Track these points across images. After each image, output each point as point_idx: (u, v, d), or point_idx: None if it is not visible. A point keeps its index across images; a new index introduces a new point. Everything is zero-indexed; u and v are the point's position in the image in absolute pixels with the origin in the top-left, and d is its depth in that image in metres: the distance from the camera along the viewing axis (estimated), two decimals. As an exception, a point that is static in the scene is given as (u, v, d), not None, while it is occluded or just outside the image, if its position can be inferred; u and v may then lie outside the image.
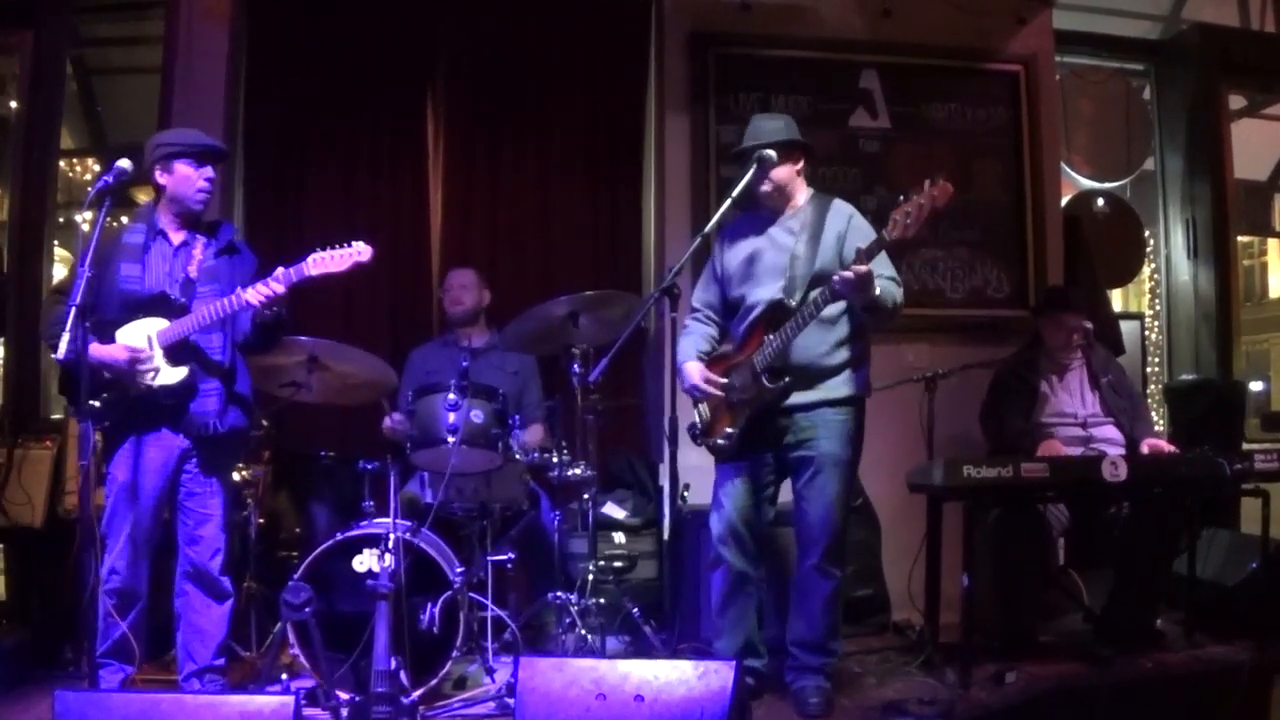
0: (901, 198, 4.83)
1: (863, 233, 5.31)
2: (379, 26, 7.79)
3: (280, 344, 5.43)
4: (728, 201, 5.25)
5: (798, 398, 5.27)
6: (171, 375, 5.02)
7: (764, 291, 5.36)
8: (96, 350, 4.81)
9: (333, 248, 5.02)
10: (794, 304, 5.19)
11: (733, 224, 5.58)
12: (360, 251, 5.03)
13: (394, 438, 6.34)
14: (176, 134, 5.22)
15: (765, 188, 5.39)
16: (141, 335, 5.00)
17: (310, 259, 4.98)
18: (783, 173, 5.41)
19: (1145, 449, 6.26)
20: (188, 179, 5.15)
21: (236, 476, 6.00)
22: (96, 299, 4.89)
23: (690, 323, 5.69)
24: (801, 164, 5.51)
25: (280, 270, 4.95)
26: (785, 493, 5.52)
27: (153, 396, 5.03)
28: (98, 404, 4.89)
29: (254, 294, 4.91)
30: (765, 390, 5.22)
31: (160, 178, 5.17)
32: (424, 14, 7.83)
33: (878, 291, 5.02)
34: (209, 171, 5.20)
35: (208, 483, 5.20)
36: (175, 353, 5.03)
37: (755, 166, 5.29)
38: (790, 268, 5.29)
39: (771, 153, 5.31)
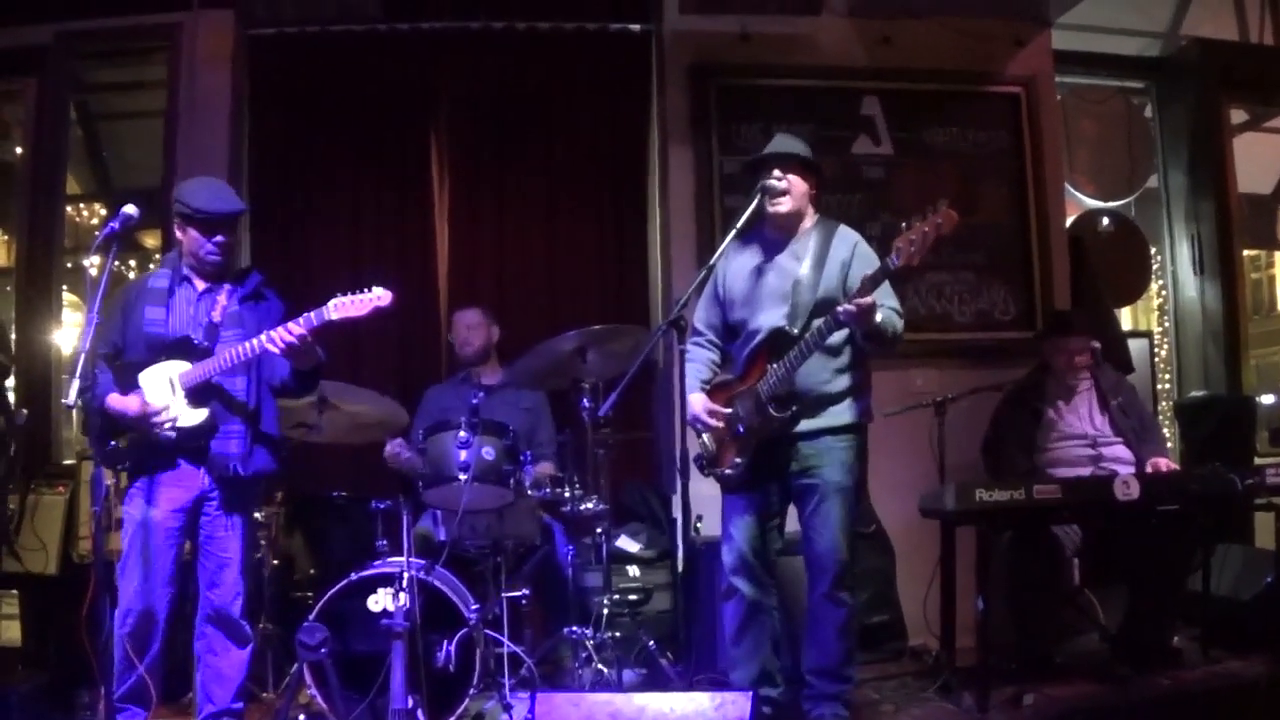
0: (904, 225, 4.83)
1: (867, 261, 5.29)
2: (381, 66, 7.85)
3: (318, 387, 5.47)
4: (733, 232, 5.25)
5: (800, 425, 5.26)
6: (192, 417, 5.03)
7: (766, 317, 5.36)
8: (113, 401, 4.88)
9: (354, 293, 5.02)
10: (796, 332, 5.19)
11: (736, 247, 5.54)
12: (380, 297, 5.01)
13: (395, 463, 6.36)
14: (193, 194, 5.16)
15: (781, 207, 5.37)
16: (164, 378, 5.02)
17: (331, 304, 4.97)
18: (802, 188, 5.41)
19: (1149, 468, 6.26)
20: (198, 241, 5.17)
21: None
22: (123, 341, 5.03)
23: (692, 348, 5.65)
24: (814, 187, 5.50)
25: (301, 317, 4.97)
26: (792, 521, 5.51)
27: (173, 438, 5.05)
28: (118, 444, 4.93)
29: (276, 339, 4.93)
30: (773, 419, 5.20)
31: (177, 232, 5.22)
32: (426, 52, 7.89)
33: (879, 319, 5.03)
34: (218, 238, 5.19)
35: (228, 525, 5.19)
36: (197, 395, 5.05)
37: (759, 196, 5.31)
38: (794, 294, 5.28)
39: (775, 182, 5.32)
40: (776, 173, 5.35)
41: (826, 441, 5.28)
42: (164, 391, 5.02)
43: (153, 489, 5.07)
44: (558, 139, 7.98)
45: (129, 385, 4.95)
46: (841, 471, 5.28)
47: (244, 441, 5.17)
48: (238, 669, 5.23)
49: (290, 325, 4.93)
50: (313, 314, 4.95)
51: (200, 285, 5.26)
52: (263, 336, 4.94)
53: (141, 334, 5.08)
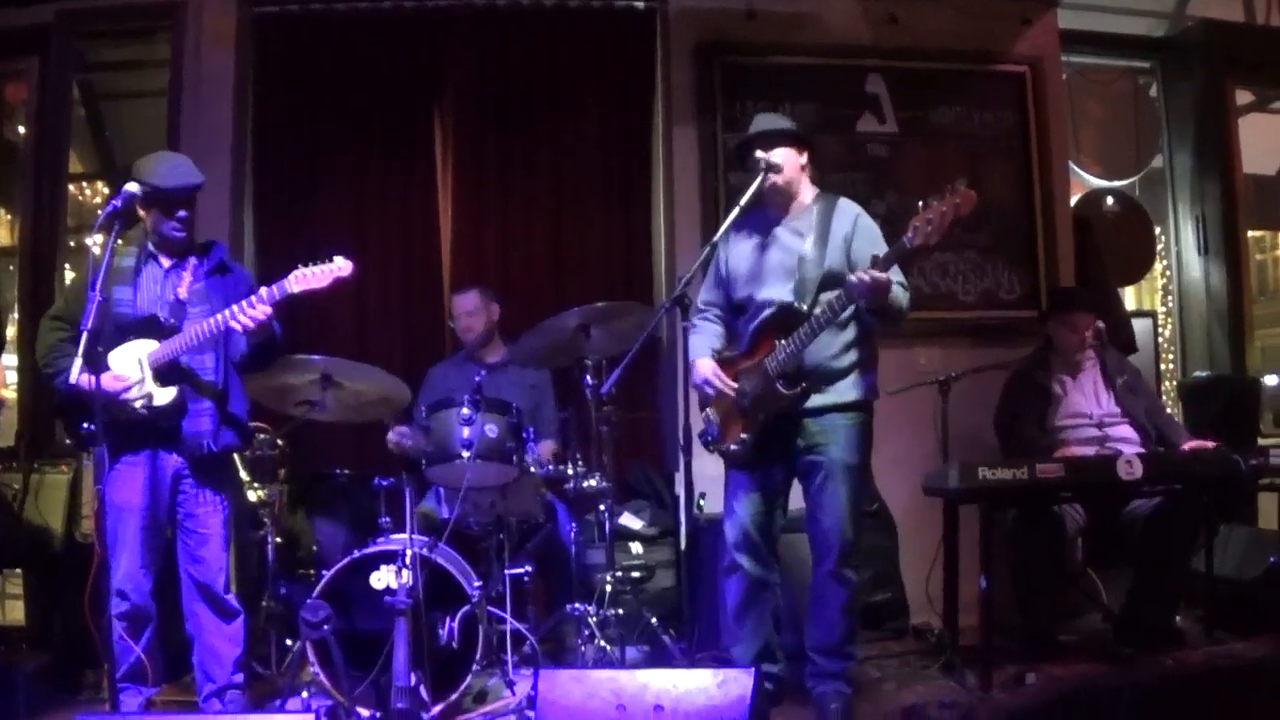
0: (921, 204, 4.80)
1: (869, 233, 5.32)
2: (386, 44, 7.83)
3: (278, 362, 5.45)
4: (736, 209, 5.23)
5: (806, 402, 5.25)
6: (162, 396, 5.06)
7: (772, 292, 5.34)
8: (86, 382, 4.82)
9: (314, 263, 5.04)
10: (805, 308, 5.18)
11: (736, 225, 5.48)
12: (341, 267, 5.05)
13: (399, 451, 6.35)
14: (151, 171, 5.10)
15: (773, 179, 5.33)
16: (132, 358, 5.04)
17: (292, 276, 5.01)
18: (793, 161, 5.39)
19: (1188, 449, 6.23)
20: (160, 219, 5.17)
21: (253, 496, 6.03)
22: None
23: (699, 322, 5.64)
24: (805, 160, 5.47)
25: (263, 290, 4.98)
26: (796, 498, 5.51)
27: (144, 418, 5.06)
28: (92, 427, 4.90)
29: (239, 315, 4.94)
30: (783, 396, 5.19)
31: (140, 209, 5.17)
32: (430, 31, 7.86)
33: (890, 297, 5.03)
34: (181, 213, 5.18)
35: (207, 502, 5.23)
36: (165, 374, 5.06)
37: (763, 172, 5.28)
38: (799, 270, 5.26)
39: (778, 159, 5.31)
40: (762, 153, 5.34)
41: (833, 419, 5.26)
42: (133, 371, 5.03)
43: (128, 472, 5.10)
44: (562, 117, 7.95)
45: (98, 366, 4.93)
46: (848, 449, 5.27)
47: (214, 419, 5.19)
48: (231, 643, 5.27)
49: (253, 300, 4.95)
50: (274, 287, 4.99)
51: (166, 262, 5.26)
52: (226, 313, 4.96)
53: (110, 314, 5.02)
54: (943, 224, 4.73)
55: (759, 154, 5.32)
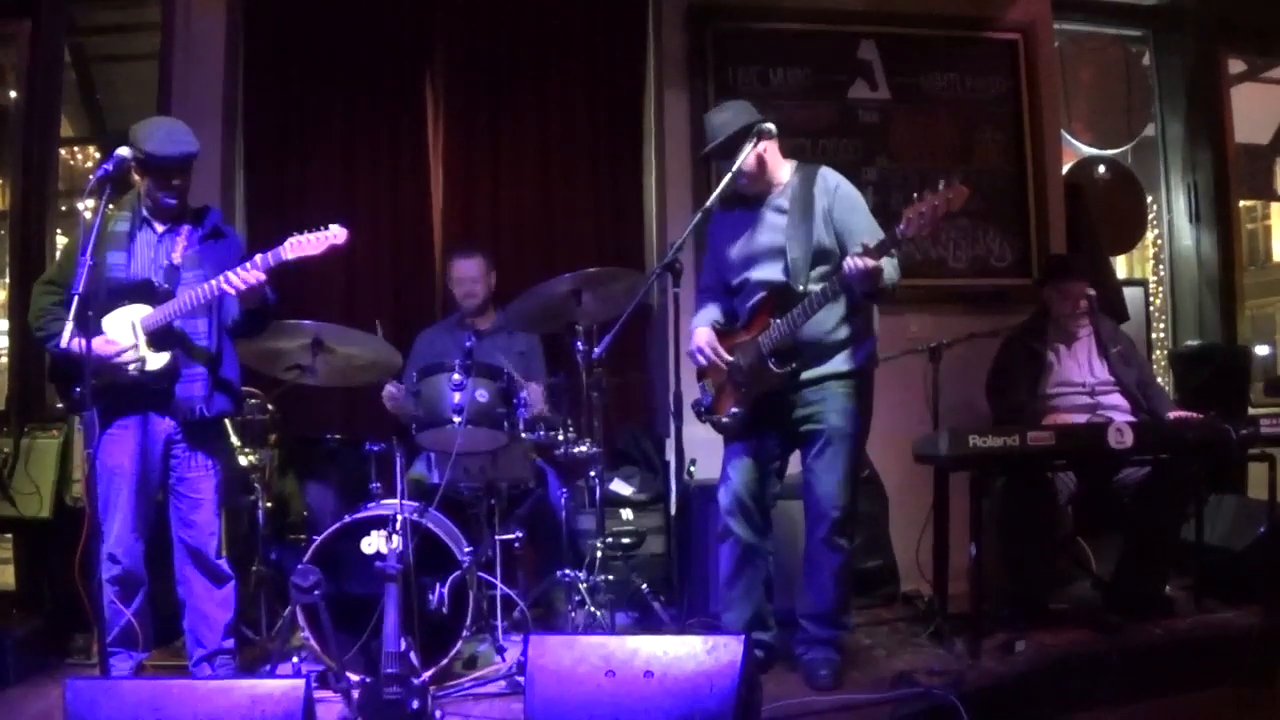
0: (915, 195, 4.82)
1: (849, 202, 5.33)
2: (377, 8, 7.77)
3: (271, 328, 5.46)
4: (729, 175, 5.21)
5: (805, 373, 5.26)
6: (155, 361, 5.05)
7: (765, 272, 5.37)
8: (77, 345, 4.77)
9: (309, 231, 5.04)
10: (801, 288, 5.19)
11: (722, 210, 5.52)
12: (335, 235, 5.06)
13: (394, 408, 6.35)
14: (146, 138, 5.06)
15: (741, 181, 5.35)
16: (125, 322, 5.03)
17: (287, 243, 5.02)
18: (756, 165, 5.37)
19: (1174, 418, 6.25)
20: (153, 186, 5.15)
21: (244, 461, 6.01)
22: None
23: (704, 304, 5.70)
24: (771, 142, 5.42)
25: (257, 256, 4.98)
26: (794, 464, 5.51)
27: (137, 382, 5.06)
28: (84, 391, 4.89)
29: (234, 280, 4.94)
30: (772, 375, 5.22)
31: (135, 174, 5.16)
32: (422, -5, 7.81)
33: (883, 279, 5.03)
34: (175, 182, 5.16)
35: (198, 466, 5.24)
36: (159, 338, 5.05)
37: (754, 139, 5.25)
38: (789, 249, 5.27)
39: (772, 125, 5.30)
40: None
41: (831, 387, 5.29)
42: (126, 336, 5.02)
43: (120, 436, 5.10)
44: (554, 81, 7.91)
45: (89, 330, 4.91)
46: (845, 417, 5.29)
47: (206, 384, 5.20)
48: (222, 608, 5.29)
49: (247, 265, 4.95)
50: (269, 254, 5.00)
51: (160, 227, 5.25)
52: (220, 278, 4.96)
53: (103, 278, 5.01)
54: (935, 217, 4.78)
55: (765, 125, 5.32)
